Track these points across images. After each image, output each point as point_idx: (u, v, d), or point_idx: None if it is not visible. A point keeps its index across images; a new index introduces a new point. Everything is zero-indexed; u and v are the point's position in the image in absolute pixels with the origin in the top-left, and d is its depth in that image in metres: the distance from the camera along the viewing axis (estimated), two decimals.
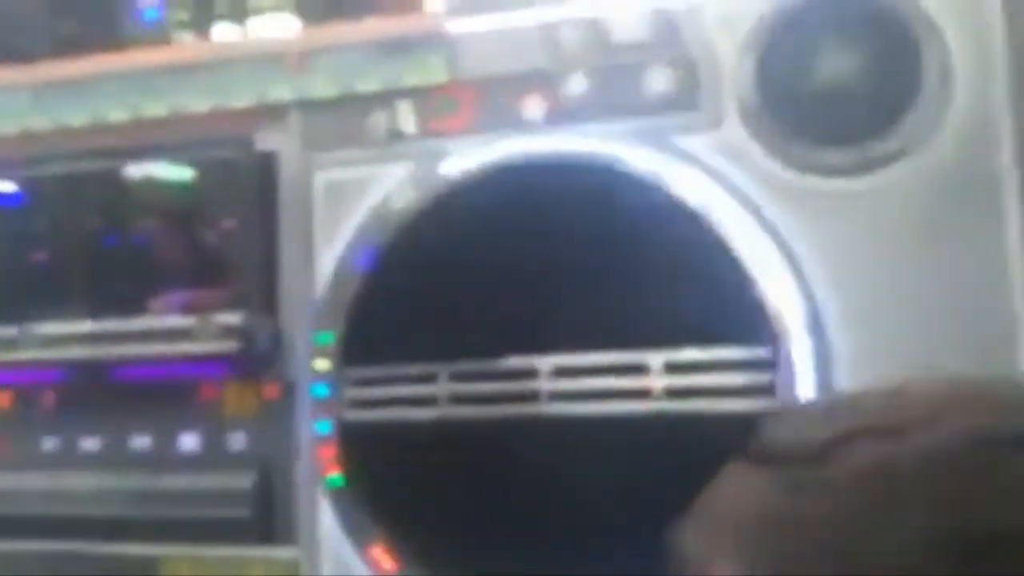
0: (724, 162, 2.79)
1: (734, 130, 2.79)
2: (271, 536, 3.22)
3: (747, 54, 2.78)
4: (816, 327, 2.72)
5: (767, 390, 2.71)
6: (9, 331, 3.58)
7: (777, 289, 2.72)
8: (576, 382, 2.90)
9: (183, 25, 3.82)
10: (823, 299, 2.73)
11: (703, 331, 2.79)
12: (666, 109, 2.85)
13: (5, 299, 3.62)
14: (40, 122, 3.53)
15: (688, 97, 2.84)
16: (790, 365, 2.69)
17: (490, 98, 3.04)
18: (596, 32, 2.92)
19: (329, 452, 3.19)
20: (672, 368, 2.80)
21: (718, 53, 2.83)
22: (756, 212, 2.74)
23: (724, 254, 2.73)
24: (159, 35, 3.63)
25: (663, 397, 2.80)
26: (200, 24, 3.68)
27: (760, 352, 2.72)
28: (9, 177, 3.71)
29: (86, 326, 3.47)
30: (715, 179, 2.77)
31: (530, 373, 2.95)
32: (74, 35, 3.59)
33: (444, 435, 3.05)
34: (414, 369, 3.08)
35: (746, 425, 2.43)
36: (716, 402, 2.75)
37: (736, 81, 2.79)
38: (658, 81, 2.84)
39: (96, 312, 3.49)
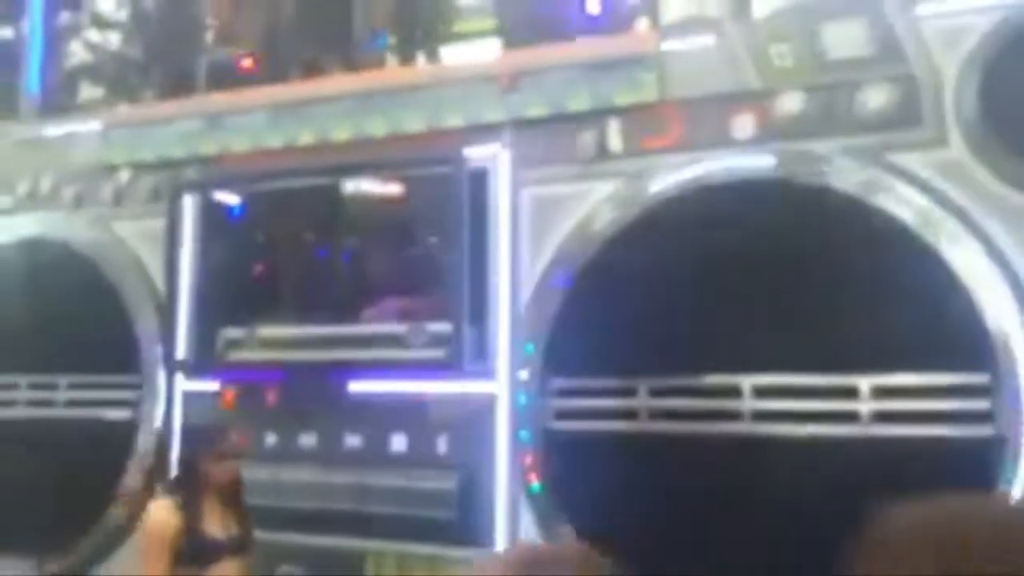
0: (944, 181, 2.71)
1: (956, 148, 2.71)
2: (472, 538, 3.32)
3: (971, 70, 2.70)
4: None
5: (984, 417, 2.60)
6: (237, 333, 3.89)
7: (999, 312, 2.61)
8: (780, 402, 2.87)
9: (392, 49, 4.08)
10: None
11: (916, 354, 2.74)
12: (884, 126, 2.80)
13: (236, 304, 3.90)
14: (273, 140, 3.81)
15: (908, 114, 2.77)
16: (1012, 391, 2.58)
17: (699, 117, 3.06)
18: (811, 49, 2.91)
19: (529, 459, 3.28)
20: (881, 392, 2.72)
21: (940, 69, 2.76)
22: (978, 232, 2.65)
23: (943, 275, 2.65)
24: (383, 59, 3.89)
25: (871, 421, 2.73)
26: (407, 49, 3.92)
27: (978, 377, 2.61)
28: (241, 191, 4.06)
29: (307, 331, 3.71)
30: (934, 198, 2.70)
31: (733, 391, 2.94)
32: (314, 59, 3.91)
33: (643, 448, 3.07)
34: (614, 382, 3.12)
35: (960, 452, 2.37)
36: (928, 428, 2.65)
37: (959, 98, 2.71)
38: (876, 98, 2.79)
39: (317, 318, 3.70)
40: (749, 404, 2.94)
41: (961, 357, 2.67)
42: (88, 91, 4.90)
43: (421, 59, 3.89)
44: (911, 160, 2.77)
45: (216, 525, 3.31)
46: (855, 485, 2.72)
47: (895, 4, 2.86)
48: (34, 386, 4.32)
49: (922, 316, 2.70)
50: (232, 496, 3.37)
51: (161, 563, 3.23)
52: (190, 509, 3.27)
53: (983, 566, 0.92)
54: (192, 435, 3.63)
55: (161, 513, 3.28)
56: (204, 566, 3.24)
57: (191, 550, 3.24)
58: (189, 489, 3.31)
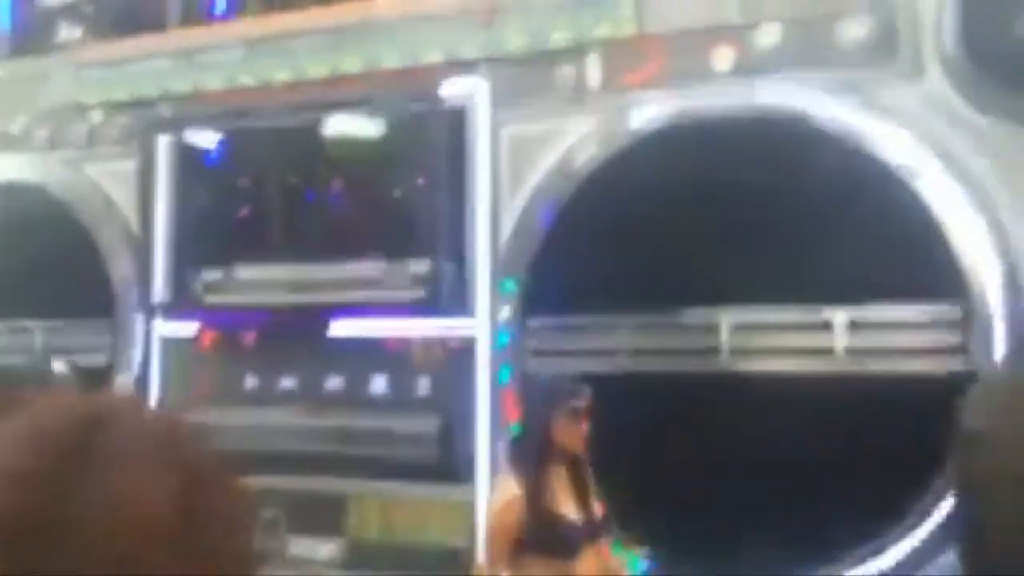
0: (923, 112, 2.74)
1: (935, 79, 2.74)
2: (453, 478, 3.39)
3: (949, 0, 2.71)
4: (1014, 284, 2.65)
5: (959, 350, 2.66)
6: (215, 275, 3.89)
7: (974, 244, 2.66)
8: (758, 338, 2.93)
9: None
10: (1023, 255, 2.67)
11: (890, 288, 2.74)
12: (862, 59, 2.82)
13: (212, 245, 3.92)
14: (247, 78, 3.82)
15: (886, 46, 2.80)
16: (985, 324, 2.64)
17: (678, 50, 3.08)
18: None
19: (510, 399, 3.34)
20: (857, 325, 2.78)
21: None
22: (956, 164, 2.68)
23: (919, 207, 2.69)
24: None
25: (846, 356, 2.79)
26: None
27: (952, 310, 2.67)
28: (215, 130, 4.05)
29: (285, 272, 3.74)
30: (913, 130, 2.73)
31: (711, 328, 2.99)
32: None
33: (623, 385, 3.11)
34: (594, 321, 3.18)
35: (936, 385, 2.46)
36: (903, 362, 2.72)
37: (937, 29, 2.73)
38: (854, 30, 2.81)
39: (295, 259, 3.73)
40: (727, 340, 2.99)
41: (935, 290, 2.71)
42: (66, 31, 4.86)
43: None
44: (888, 92, 2.81)
45: (570, 505, 2.72)
46: (832, 419, 2.81)
47: None
48: (9, 330, 4.34)
49: (897, 249, 2.75)
50: (580, 467, 2.74)
51: (504, 560, 2.66)
52: (538, 487, 2.65)
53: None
54: (534, 392, 2.91)
55: (504, 496, 2.67)
56: (565, 559, 2.65)
57: (545, 540, 2.64)
58: (534, 461, 2.69)
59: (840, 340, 2.85)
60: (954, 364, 2.70)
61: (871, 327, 2.82)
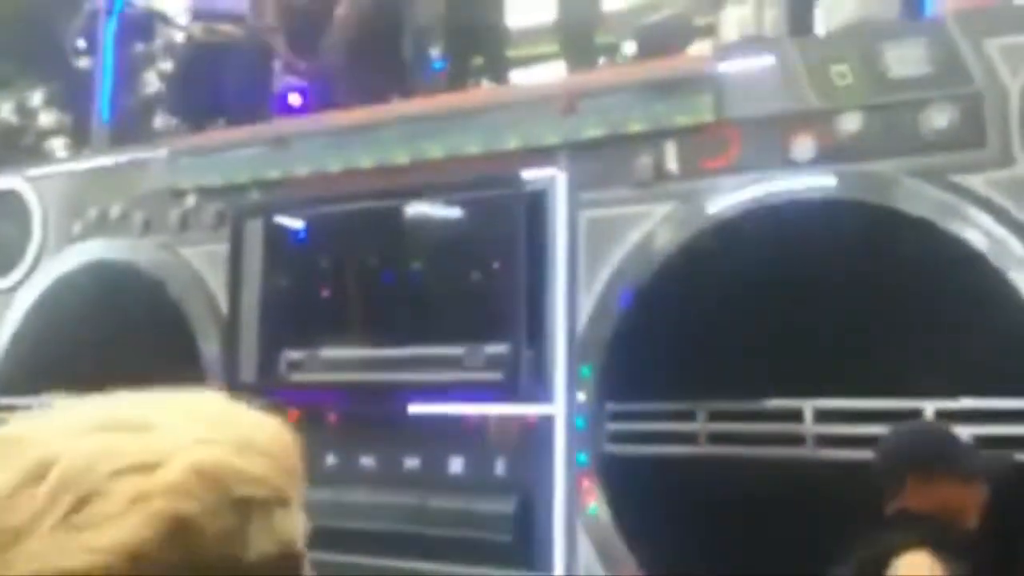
0: (1011, 202, 2.60)
1: (1023, 167, 2.59)
2: (530, 561, 3.26)
3: None
4: None
5: None
6: (297, 355, 3.85)
7: None
8: (843, 427, 2.77)
9: (447, 76, 4.05)
10: None
11: (981, 379, 2.61)
12: (947, 146, 2.70)
13: (295, 326, 3.88)
14: (333, 164, 3.81)
15: (972, 134, 2.67)
16: None
17: (758, 137, 2.99)
18: (872, 68, 2.82)
19: (587, 482, 3.21)
20: (947, 416, 2.60)
21: (1006, 87, 2.65)
22: None
23: (1009, 297, 2.54)
24: (441, 84, 3.87)
25: None
26: (474, 74, 3.89)
27: None
28: (301, 215, 4.07)
29: (365, 352, 3.68)
30: (1001, 219, 2.59)
31: (793, 415, 2.86)
32: (372, 85, 3.90)
33: (701, 471, 2.99)
34: (673, 406, 3.05)
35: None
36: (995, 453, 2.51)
37: None
38: (939, 117, 2.68)
39: (375, 340, 3.68)
40: (811, 428, 2.83)
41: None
42: (163, 119, 4.96)
43: (484, 83, 3.86)
44: (976, 180, 2.66)
45: None
46: None
47: (958, 21, 2.75)
48: None
49: (987, 339, 2.59)
50: None
51: None
52: None
53: None
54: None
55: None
56: None
57: None
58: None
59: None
60: None
61: (963, 417, 2.64)
